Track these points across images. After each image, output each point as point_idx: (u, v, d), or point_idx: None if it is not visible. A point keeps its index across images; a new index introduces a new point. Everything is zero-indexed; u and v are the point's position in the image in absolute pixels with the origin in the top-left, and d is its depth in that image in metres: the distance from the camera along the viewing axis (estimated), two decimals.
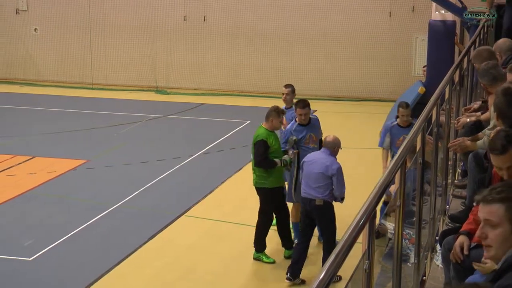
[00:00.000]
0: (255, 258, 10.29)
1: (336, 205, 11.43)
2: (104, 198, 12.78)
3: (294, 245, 9.98)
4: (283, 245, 10.43)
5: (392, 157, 10.58)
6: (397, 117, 10.72)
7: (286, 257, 10.26)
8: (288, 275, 9.52)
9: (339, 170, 9.45)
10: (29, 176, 13.99)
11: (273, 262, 10.21)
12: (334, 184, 9.36)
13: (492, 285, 3.16)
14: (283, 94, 11.42)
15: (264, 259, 10.24)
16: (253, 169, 10.19)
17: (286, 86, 11.49)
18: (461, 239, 4.78)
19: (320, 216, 9.44)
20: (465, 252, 4.69)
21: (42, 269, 10.08)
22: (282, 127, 10.55)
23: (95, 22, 23.23)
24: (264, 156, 9.98)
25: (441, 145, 7.38)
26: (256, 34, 22.35)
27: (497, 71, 7.52)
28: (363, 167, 14.24)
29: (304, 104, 10.45)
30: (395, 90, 20.11)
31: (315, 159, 9.50)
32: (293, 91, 11.47)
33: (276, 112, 10.11)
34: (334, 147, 9.49)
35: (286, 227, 10.34)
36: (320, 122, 10.85)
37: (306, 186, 9.44)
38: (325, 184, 9.34)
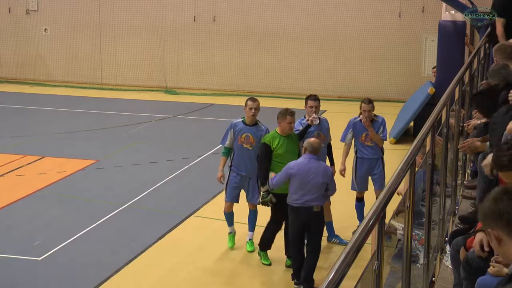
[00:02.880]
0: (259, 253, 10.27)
1: (343, 205, 11.45)
2: (113, 198, 12.80)
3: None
4: (286, 253, 10.12)
5: (356, 152, 10.76)
6: (360, 113, 10.73)
7: (288, 266, 9.97)
8: (296, 280, 9.41)
9: (332, 173, 9.48)
10: (38, 176, 14.02)
11: (269, 265, 10.09)
12: (330, 187, 9.25)
13: None
14: (251, 109, 10.21)
15: (262, 260, 10.13)
16: None
17: (255, 100, 10.33)
18: (479, 236, 4.70)
19: (317, 221, 9.24)
20: (486, 249, 4.62)
21: (52, 269, 10.10)
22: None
23: (104, 22, 23.29)
24: (262, 159, 9.83)
25: (451, 146, 7.36)
26: (265, 35, 22.36)
27: (507, 71, 7.49)
28: None
29: (316, 97, 10.43)
30: (405, 91, 20.10)
31: (309, 169, 9.11)
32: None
33: (282, 114, 9.85)
34: (318, 151, 9.24)
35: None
36: (329, 125, 10.76)
37: (303, 196, 9.10)
38: (324, 191, 9.23)
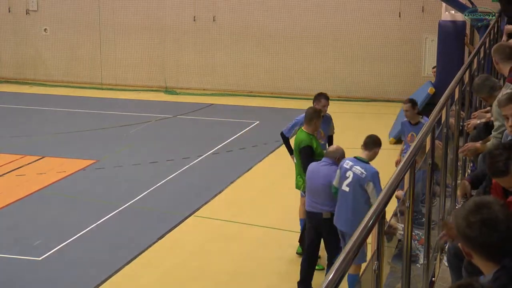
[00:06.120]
0: None
1: None
2: (113, 198, 12.81)
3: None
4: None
5: (404, 152, 10.76)
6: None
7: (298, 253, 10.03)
8: None
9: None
10: (38, 176, 14.02)
11: None
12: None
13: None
14: None
15: None
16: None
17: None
18: None
19: (329, 229, 8.91)
20: None
21: (52, 269, 10.11)
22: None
23: (104, 22, 23.28)
24: (308, 162, 9.37)
25: (451, 146, 7.36)
26: (265, 35, 22.34)
27: (492, 81, 7.70)
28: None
29: (327, 96, 10.46)
30: (405, 91, 20.07)
31: (316, 170, 9.02)
32: None
33: (318, 113, 9.73)
34: (335, 157, 8.99)
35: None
36: (332, 119, 10.78)
37: (311, 200, 9.03)
38: (330, 196, 8.86)
